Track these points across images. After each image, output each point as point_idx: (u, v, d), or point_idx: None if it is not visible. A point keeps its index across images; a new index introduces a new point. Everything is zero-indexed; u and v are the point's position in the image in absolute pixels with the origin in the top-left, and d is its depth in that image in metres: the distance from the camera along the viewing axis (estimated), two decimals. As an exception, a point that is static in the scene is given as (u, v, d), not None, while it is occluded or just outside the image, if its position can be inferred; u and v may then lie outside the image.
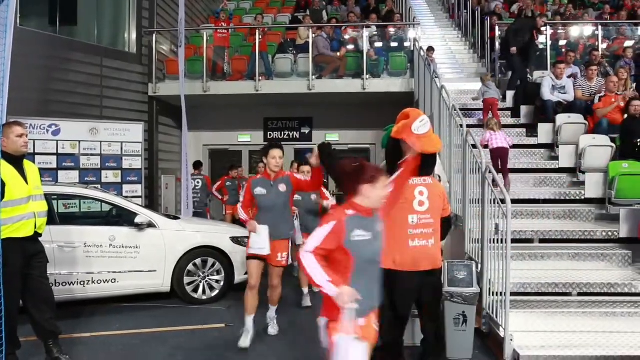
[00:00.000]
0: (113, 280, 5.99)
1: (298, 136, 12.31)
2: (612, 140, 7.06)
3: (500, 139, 7.01)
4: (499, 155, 6.87)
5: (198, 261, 6.41)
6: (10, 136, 4.05)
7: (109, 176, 9.00)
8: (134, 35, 10.94)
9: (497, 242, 4.69)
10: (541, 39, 11.04)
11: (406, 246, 3.68)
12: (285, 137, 12.37)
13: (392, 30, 11.75)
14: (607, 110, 7.50)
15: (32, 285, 4.16)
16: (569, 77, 8.46)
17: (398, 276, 3.58)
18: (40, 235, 4.25)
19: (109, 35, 10.93)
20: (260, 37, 10.80)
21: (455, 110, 6.49)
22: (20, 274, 4.06)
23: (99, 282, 5.92)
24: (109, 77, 10.07)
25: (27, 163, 4.24)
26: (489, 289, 4.85)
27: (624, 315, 4.93)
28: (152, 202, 10.46)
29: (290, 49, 11.34)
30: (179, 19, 9.53)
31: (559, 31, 11.24)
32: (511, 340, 4.33)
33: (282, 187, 4.76)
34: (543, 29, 11.01)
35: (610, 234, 5.88)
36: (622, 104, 7.48)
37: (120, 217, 6.28)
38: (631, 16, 12.10)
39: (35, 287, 4.18)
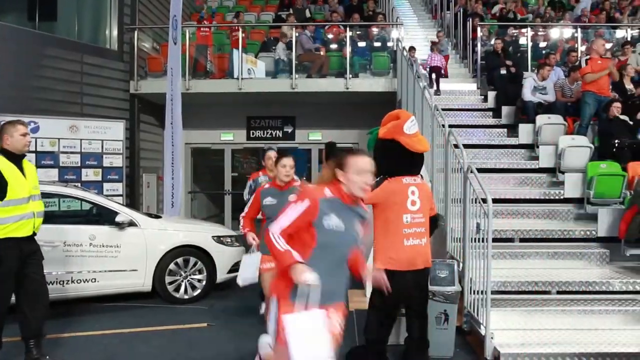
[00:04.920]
0: (93, 280, 5.91)
1: (281, 135, 12.28)
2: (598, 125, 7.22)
3: (436, 59, 10.25)
4: (435, 71, 10.10)
5: (180, 260, 6.36)
6: (15, 135, 4.05)
7: (89, 174, 8.87)
8: (115, 32, 10.80)
9: (478, 241, 4.74)
10: (522, 40, 11.21)
11: (401, 245, 3.72)
12: (268, 135, 12.33)
13: (375, 30, 11.80)
14: (597, 76, 7.49)
15: (28, 284, 4.14)
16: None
17: (393, 276, 3.61)
18: (36, 234, 4.23)
19: (89, 31, 10.77)
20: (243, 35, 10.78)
21: (437, 110, 6.55)
22: (15, 274, 4.04)
23: (79, 281, 5.84)
24: (89, 74, 9.92)
25: (25, 162, 4.21)
26: (470, 287, 4.90)
27: (602, 313, 5.02)
28: (133, 200, 10.35)
29: (273, 47, 11.31)
30: (171, 15, 9.42)
31: (539, 33, 11.39)
32: (492, 338, 4.38)
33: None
34: (524, 30, 11.20)
35: (588, 233, 5.99)
36: (612, 66, 7.58)
37: (101, 216, 6.20)
38: (610, 19, 12.31)
39: (31, 286, 4.16)
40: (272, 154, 5.65)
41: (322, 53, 11.24)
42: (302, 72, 10.97)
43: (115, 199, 7.35)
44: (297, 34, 10.98)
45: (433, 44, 10.94)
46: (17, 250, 4.00)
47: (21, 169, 4.11)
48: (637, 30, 11.67)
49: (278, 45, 11.12)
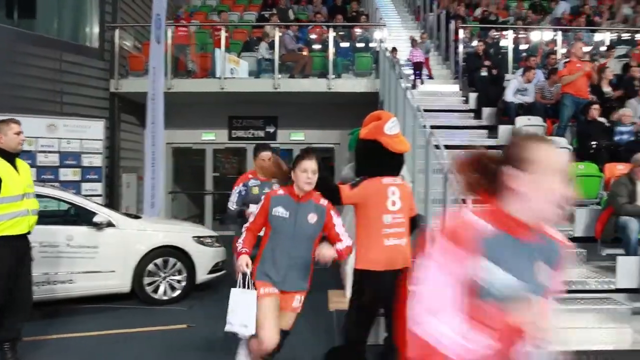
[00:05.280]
0: (70, 281, 5.82)
1: (263, 135, 12.25)
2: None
3: (417, 54, 10.62)
4: (417, 67, 10.60)
5: (159, 261, 6.29)
6: (9, 133, 4.08)
7: (68, 174, 8.74)
8: (95, 30, 10.67)
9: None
10: (503, 42, 11.32)
11: (381, 245, 3.72)
12: (250, 135, 12.30)
13: (358, 30, 11.83)
14: (573, 78, 7.63)
15: (17, 287, 4.11)
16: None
17: (372, 276, 3.61)
18: (30, 232, 4.22)
19: (69, 29, 10.63)
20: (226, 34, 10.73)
21: (419, 111, 6.57)
22: (11, 274, 4.02)
23: (55, 283, 5.75)
24: (68, 72, 9.78)
25: (19, 161, 4.22)
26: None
27: (580, 312, 5.06)
28: (112, 201, 10.23)
29: (256, 47, 11.28)
30: (154, 14, 9.33)
31: (520, 36, 11.51)
32: (470, 337, 4.40)
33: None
34: (505, 32, 11.32)
35: (566, 233, 6.05)
36: (588, 69, 7.68)
37: (79, 216, 6.11)
38: (589, 23, 12.50)
39: (19, 290, 4.13)
40: (266, 155, 4.67)
41: (305, 53, 11.24)
42: (285, 72, 10.96)
43: (94, 199, 7.25)
44: (280, 34, 10.96)
45: (413, 40, 11.03)
46: (12, 248, 4.00)
47: (15, 167, 4.12)
48: (616, 34, 11.88)
49: (261, 45, 11.10)
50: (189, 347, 4.83)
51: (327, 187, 3.65)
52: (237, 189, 4.65)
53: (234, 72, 10.78)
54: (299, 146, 11.96)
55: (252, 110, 12.04)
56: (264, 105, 11.78)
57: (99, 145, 9.08)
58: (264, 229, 3.55)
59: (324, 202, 3.50)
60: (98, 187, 9.04)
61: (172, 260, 6.35)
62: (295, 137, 12.07)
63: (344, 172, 5.43)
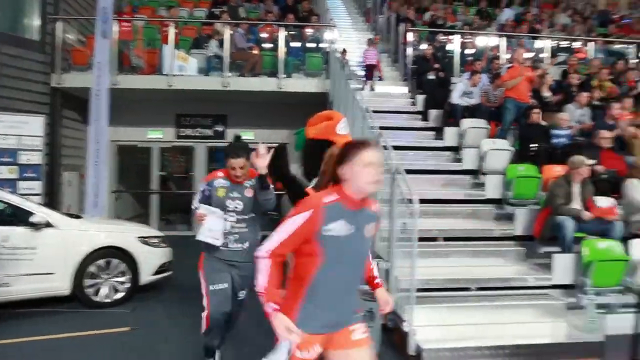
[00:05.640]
0: (6, 284, 5.54)
1: (212, 134, 12.08)
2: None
3: (371, 56, 10.72)
4: (370, 68, 10.71)
5: (102, 262, 6.08)
6: None
7: (4, 172, 8.32)
8: (36, 22, 10.21)
9: (405, 241, 4.85)
10: (450, 46, 11.60)
11: None
12: (197, 134, 12.10)
13: (309, 31, 11.85)
14: (513, 82, 7.91)
15: None
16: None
17: None
18: None
19: (8, 20, 10.11)
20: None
21: (368, 112, 6.65)
22: None
23: (-11, 286, 5.47)
24: (7, 65, 9.30)
25: None
26: (396, 285, 5.00)
27: (518, 307, 5.26)
28: (52, 200, 9.82)
29: (206, 44, 11.11)
30: (100, 7, 9.00)
31: (467, 40, 11.83)
32: (414, 334, 4.49)
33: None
34: (452, 37, 11.60)
35: (507, 232, 6.28)
36: (529, 74, 7.97)
37: (15, 216, 5.81)
38: (531, 30, 12.99)
39: None
40: (237, 163, 3.92)
41: (255, 52, 11.16)
42: (235, 70, 10.83)
43: (31, 198, 6.95)
44: (230, 32, 10.83)
45: (370, 40, 11.16)
46: None
47: None
48: (556, 42, 12.42)
49: (211, 43, 10.94)
50: (131, 350, 4.70)
51: (300, 191, 3.32)
52: (202, 187, 4.12)
53: (182, 70, 10.58)
54: (249, 145, 11.89)
55: (201, 108, 11.83)
56: (213, 103, 11.61)
57: (38, 141, 8.71)
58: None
59: (376, 206, 2.48)
60: (36, 186, 8.66)
61: (115, 262, 6.16)
62: (244, 136, 11.91)
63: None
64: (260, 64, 10.89)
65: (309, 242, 2.23)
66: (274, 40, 11.31)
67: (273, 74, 10.70)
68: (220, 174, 4.06)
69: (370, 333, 4.46)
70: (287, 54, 10.94)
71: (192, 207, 4.09)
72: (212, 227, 3.84)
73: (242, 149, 4.01)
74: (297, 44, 11.52)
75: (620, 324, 4.67)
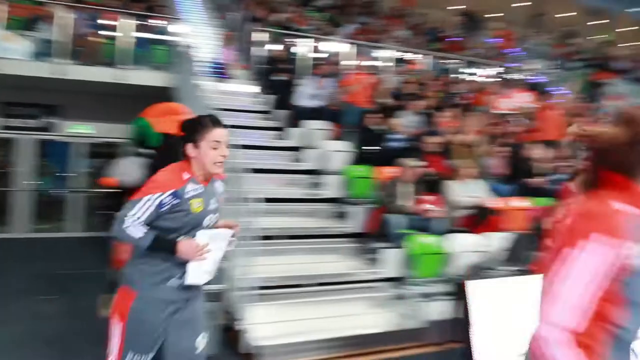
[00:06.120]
0: None
1: (43, 125, 10.98)
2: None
3: (228, 53, 10.69)
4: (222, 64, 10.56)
5: None
6: None
7: None
8: None
9: (245, 240, 4.88)
10: (299, 49, 11.89)
11: None
12: (24, 125, 10.92)
13: (157, 22, 11.32)
14: (354, 88, 8.47)
15: None
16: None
17: None
18: None
19: None
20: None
21: (214, 110, 6.56)
22: None
23: None
24: None
25: None
26: (235, 284, 5.01)
27: (351, 301, 5.61)
28: None
29: (40, 26, 10.05)
30: None
31: (315, 44, 12.23)
32: (247, 332, 4.55)
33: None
34: (302, 40, 11.91)
35: (342, 229, 6.63)
36: (370, 81, 8.52)
37: None
38: (374, 39, 13.85)
39: None
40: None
41: (96, 40, 10.37)
42: (73, 57, 9.96)
43: None
44: (69, 16, 9.91)
45: (226, 37, 11.02)
46: None
47: None
48: (397, 52, 13.41)
49: (45, 26, 9.92)
50: None
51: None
52: (152, 198, 2.48)
53: (9, 52, 9.45)
54: (88, 140, 11.06)
55: (31, 97, 10.70)
56: (45, 92, 10.56)
57: None
58: None
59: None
60: None
61: None
62: (80, 129, 11.05)
63: (123, 167, 5.13)
64: (101, 52, 10.16)
65: None
66: (118, 28, 10.62)
67: (114, 64, 10.05)
68: (186, 174, 2.60)
69: (210, 333, 4.46)
70: (133, 45, 10.34)
71: (124, 226, 2.43)
72: (213, 262, 2.60)
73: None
74: (143, 35, 10.95)
75: (440, 310, 5.24)
